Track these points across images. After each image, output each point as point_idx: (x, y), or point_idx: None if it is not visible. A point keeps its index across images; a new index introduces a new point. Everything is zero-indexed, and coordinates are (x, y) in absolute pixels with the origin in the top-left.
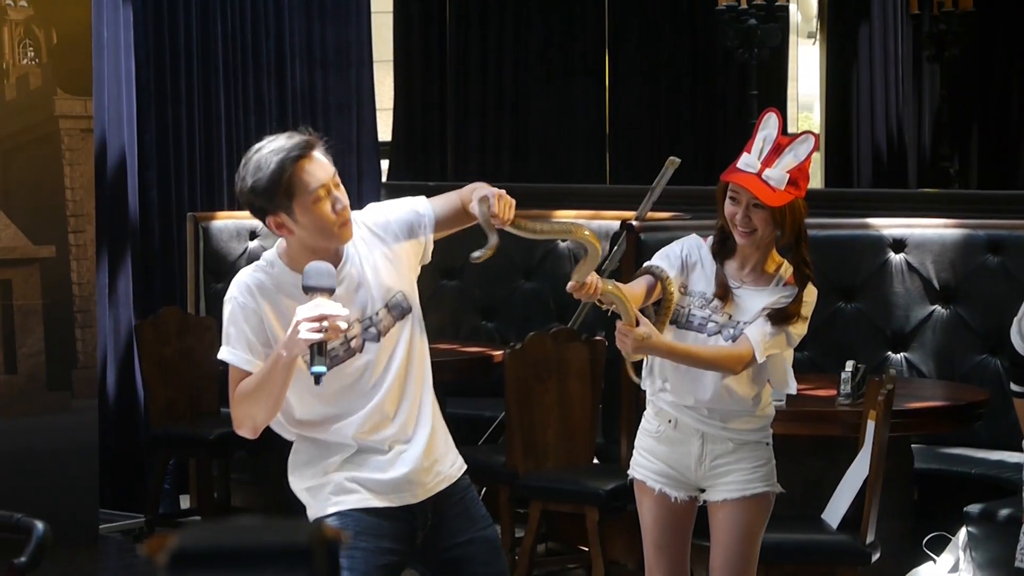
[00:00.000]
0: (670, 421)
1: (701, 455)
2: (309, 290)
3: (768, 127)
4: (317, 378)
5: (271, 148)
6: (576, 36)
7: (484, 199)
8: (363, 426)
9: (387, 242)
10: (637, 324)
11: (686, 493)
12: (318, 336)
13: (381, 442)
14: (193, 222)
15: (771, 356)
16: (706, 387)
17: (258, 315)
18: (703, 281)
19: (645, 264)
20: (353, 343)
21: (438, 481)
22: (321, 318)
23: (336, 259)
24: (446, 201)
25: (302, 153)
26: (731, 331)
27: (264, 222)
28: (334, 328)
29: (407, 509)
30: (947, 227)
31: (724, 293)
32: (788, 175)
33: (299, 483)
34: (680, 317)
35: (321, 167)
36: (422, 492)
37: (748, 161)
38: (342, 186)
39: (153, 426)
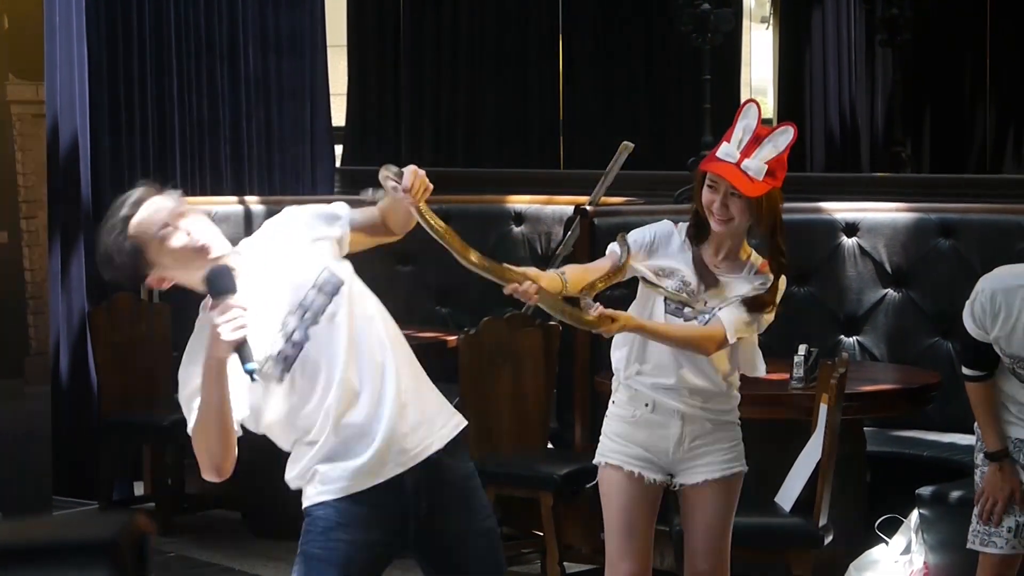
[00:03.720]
0: (647, 404)
1: (680, 437)
2: (217, 295)
3: (748, 117)
4: (251, 375)
5: (106, 229)
6: (530, 21)
7: (399, 173)
8: (337, 407)
9: (299, 232)
10: (607, 319)
11: (659, 476)
12: (241, 333)
13: (358, 419)
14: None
15: (741, 339)
16: (689, 366)
17: None
18: (678, 266)
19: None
20: (296, 336)
21: (425, 445)
22: (236, 315)
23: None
24: (366, 211)
25: (128, 215)
26: (706, 317)
27: (144, 287)
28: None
29: (397, 494)
30: (899, 211)
31: (712, 280)
32: (767, 165)
33: (292, 478)
34: (657, 301)
35: (153, 212)
36: (407, 459)
37: (727, 151)
38: (192, 214)
39: (106, 413)
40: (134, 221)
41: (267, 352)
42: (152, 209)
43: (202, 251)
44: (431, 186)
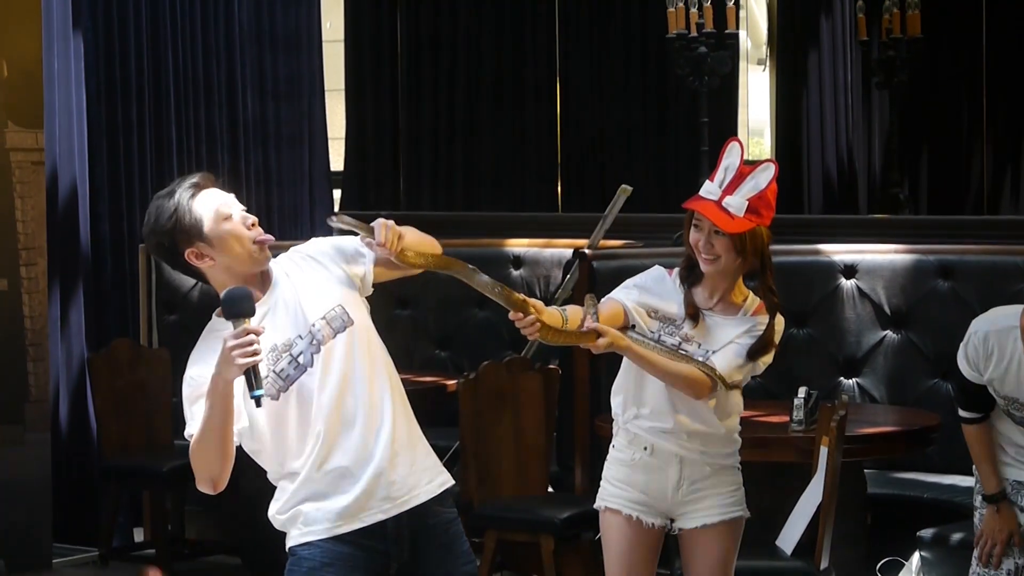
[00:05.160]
0: (645, 448)
1: (679, 480)
2: (232, 316)
3: (731, 156)
4: (257, 400)
5: (165, 193)
6: (527, 63)
7: (371, 228)
8: (324, 439)
9: (324, 264)
10: (595, 334)
11: (659, 520)
12: (252, 360)
13: (344, 461)
14: (145, 254)
15: (735, 387)
16: (686, 410)
17: None
18: (669, 308)
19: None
20: (301, 359)
21: (413, 495)
22: (251, 342)
23: (264, 284)
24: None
25: (198, 184)
26: (700, 359)
27: (180, 263)
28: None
29: (381, 537)
30: (898, 252)
31: (695, 313)
32: (748, 202)
33: (275, 514)
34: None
35: (220, 195)
36: (392, 507)
37: (710, 189)
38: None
39: (106, 459)
40: (200, 191)
41: (271, 367)
42: (222, 192)
43: (263, 242)
44: (401, 232)
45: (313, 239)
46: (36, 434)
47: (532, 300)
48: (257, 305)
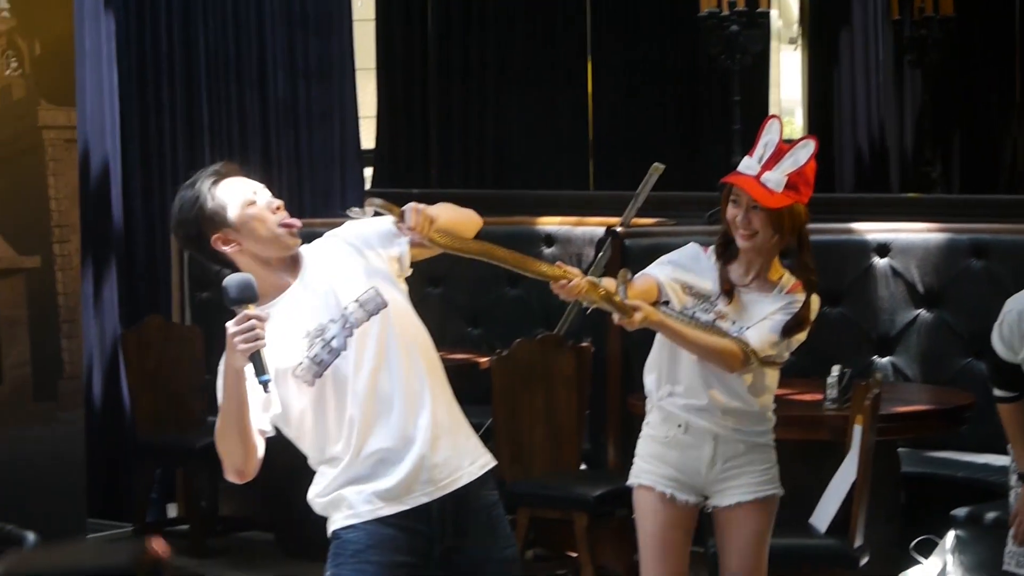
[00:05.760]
0: (679, 425)
1: (713, 458)
2: (234, 304)
3: (771, 132)
4: (265, 385)
5: (188, 184)
6: (558, 42)
7: (402, 212)
8: (361, 423)
9: (359, 248)
10: (632, 309)
11: (693, 497)
12: (254, 346)
13: (385, 443)
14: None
15: (770, 364)
16: (719, 386)
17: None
18: (704, 285)
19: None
20: (334, 343)
21: (454, 478)
22: (251, 328)
23: (295, 269)
24: None
25: (220, 172)
26: (735, 335)
27: (209, 252)
28: (262, 329)
29: (424, 519)
30: (931, 231)
31: (730, 290)
32: (787, 178)
33: (315, 498)
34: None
35: (244, 181)
36: (435, 489)
37: (748, 164)
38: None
39: (139, 435)
40: (230, 177)
41: (304, 353)
42: (246, 179)
43: (289, 226)
44: (437, 212)
45: (349, 223)
46: (70, 411)
47: (571, 269)
48: (289, 291)
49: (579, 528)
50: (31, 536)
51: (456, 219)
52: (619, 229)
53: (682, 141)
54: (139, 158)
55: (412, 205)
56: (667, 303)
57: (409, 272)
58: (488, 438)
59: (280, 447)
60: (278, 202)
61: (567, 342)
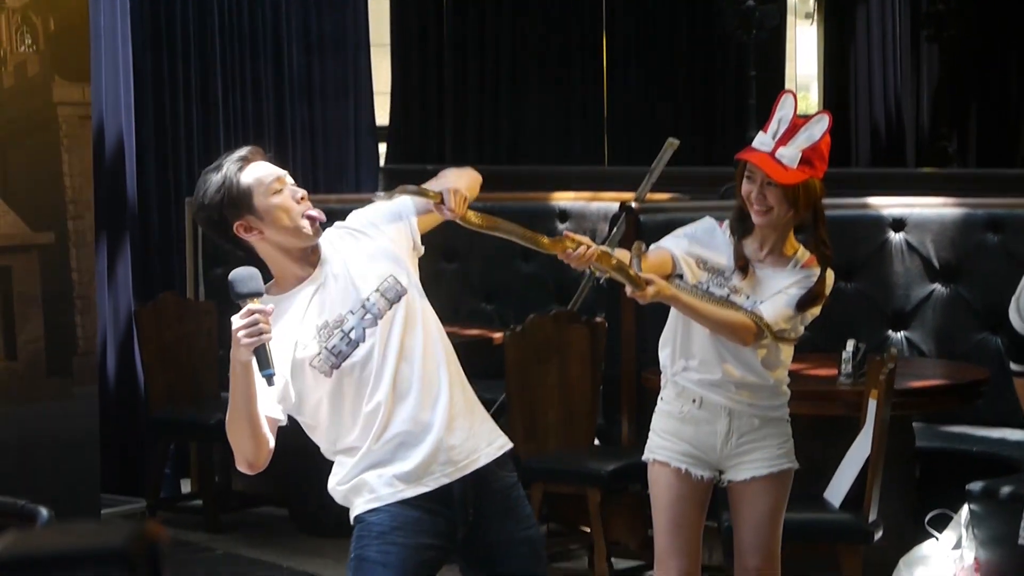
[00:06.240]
0: (694, 400)
1: (728, 433)
2: (239, 298)
3: (785, 108)
4: (269, 379)
5: (213, 167)
6: (573, 17)
7: (439, 193)
8: (382, 412)
9: (370, 235)
10: (644, 281)
11: (707, 472)
12: (258, 340)
13: (404, 427)
14: (191, 207)
15: (784, 339)
16: (733, 360)
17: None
18: (719, 260)
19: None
20: (353, 334)
21: (473, 459)
22: (255, 322)
23: (315, 260)
24: (418, 200)
25: (246, 157)
26: (749, 309)
27: (230, 237)
28: (266, 323)
29: (446, 502)
30: (946, 206)
31: (744, 265)
32: (801, 154)
33: (335, 487)
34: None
35: (269, 167)
36: (454, 470)
37: (763, 140)
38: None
39: (153, 411)
40: (248, 164)
41: (323, 344)
42: (270, 165)
43: (313, 218)
44: (452, 181)
45: (352, 212)
46: (84, 387)
47: (582, 238)
48: (307, 282)
49: (592, 503)
50: (45, 512)
51: (471, 187)
52: (633, 204)
53: (697, 116)
54: (153, 134)
55: (449, 187)
56: (680, 276)
57: (422, 251)
58: (502, 414)
59: (294, 424)
60: (302, 192)
61: (581, 317)
